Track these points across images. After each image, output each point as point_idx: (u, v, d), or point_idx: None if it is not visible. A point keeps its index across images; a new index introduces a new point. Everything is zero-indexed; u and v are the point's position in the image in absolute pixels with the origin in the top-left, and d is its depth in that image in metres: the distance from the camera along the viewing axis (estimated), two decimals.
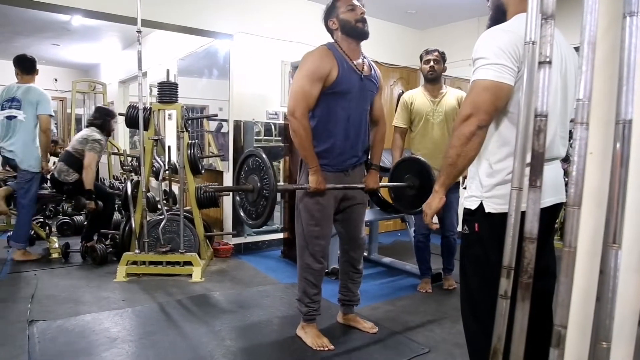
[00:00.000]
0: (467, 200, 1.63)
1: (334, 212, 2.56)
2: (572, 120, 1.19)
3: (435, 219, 1.78)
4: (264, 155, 2.28)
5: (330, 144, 2.43)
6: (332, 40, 2.49)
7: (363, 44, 2.51)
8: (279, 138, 4.77)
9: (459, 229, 1.95)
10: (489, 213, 1.54)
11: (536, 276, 1.23)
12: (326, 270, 3.46)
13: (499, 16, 1.61)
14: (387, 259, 4.21)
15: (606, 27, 1.09)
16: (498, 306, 1.29)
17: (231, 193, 4.52)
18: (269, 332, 2.78)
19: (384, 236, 5.37)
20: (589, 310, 1.11)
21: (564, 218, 1.12)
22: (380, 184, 2.70)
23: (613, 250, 1.04)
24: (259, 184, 2.30)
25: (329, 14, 2.48)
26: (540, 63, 1.17)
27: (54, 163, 4.47)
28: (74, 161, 4.22)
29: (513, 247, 1.25)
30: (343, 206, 2.60)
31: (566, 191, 1.14)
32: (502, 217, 1.47)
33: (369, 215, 3.39)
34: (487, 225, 1.56)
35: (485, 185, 1.56)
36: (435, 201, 1.69)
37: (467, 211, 1.63)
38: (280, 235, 4.79)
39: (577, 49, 1.16)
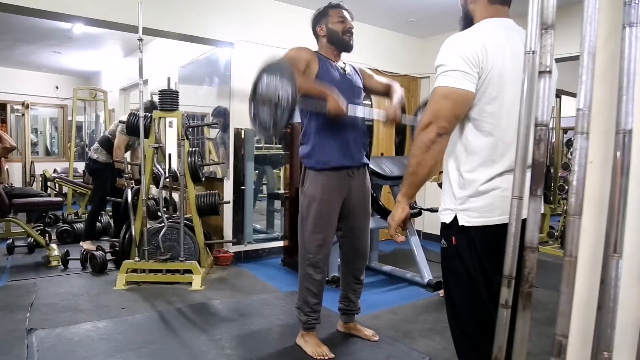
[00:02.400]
0: (442, 213, 1.58)
1: (337, 218, 2.54)
2: (571, 129, 1.20)
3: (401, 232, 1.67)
4: (282, 64, 2.13)
5: (330, 142, 2.42)
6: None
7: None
8: (280, 146, 4.78)
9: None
10: (462, 226, 1.50)
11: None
12: (326, 279, 3.45)
13: (467, 24, 1.59)
14: (387, 267, 4.20)
15: (606, 37, 1.10)
16: (499, 315, 1.28)
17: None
18: (269, 340, 2.76)
19: (384, 244, 5.36)
20: (590, 319, 1.11)
21: (564, 227, 1.12)
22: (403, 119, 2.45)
23: (614, 260, 1.04)
24: (278, 98, 2.10)
25: (318, 19, 2.56)
26: (540, 72, 1.18)
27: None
28: (106, 143, 4.73)
29: (514, 256, 1.25)
30: (345, 213, 2.56)
31: (566, 200, 1.14)
32: (477, 230, 1.47)
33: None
34: (462, 238, 1.51)
35: (459, 197, 1.51)
36: (397, 212, 1.60)
37: (442, 225, 1.58)
38: (281, 243, 4.78)
39: (576, 58, 1.16)
